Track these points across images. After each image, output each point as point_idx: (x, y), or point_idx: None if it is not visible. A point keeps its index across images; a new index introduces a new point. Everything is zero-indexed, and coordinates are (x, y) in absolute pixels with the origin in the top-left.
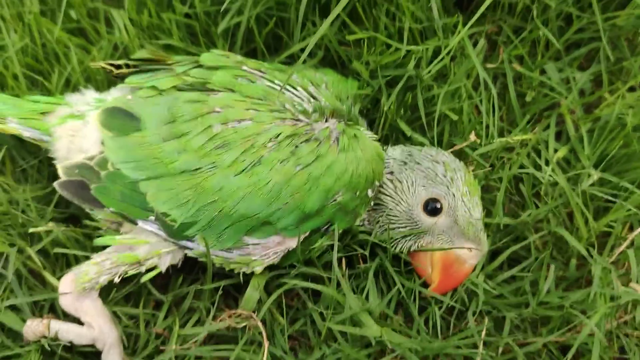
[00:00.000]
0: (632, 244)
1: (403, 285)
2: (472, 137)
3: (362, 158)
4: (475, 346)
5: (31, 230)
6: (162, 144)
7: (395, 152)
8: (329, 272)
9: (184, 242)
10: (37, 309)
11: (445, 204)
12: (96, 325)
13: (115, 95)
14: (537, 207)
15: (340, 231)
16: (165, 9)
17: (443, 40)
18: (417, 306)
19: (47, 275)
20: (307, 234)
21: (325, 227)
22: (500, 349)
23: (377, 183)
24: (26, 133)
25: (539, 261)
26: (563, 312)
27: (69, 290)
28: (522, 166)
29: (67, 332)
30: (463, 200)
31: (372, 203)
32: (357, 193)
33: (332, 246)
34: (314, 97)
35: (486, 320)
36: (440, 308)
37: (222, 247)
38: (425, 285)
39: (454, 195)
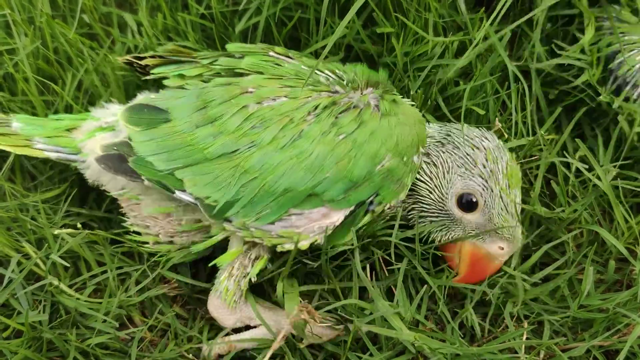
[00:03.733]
0: None
1: (430, 287)
2: (497, 124)
3: (405, 122)
4: (513, 351)
5: (56, 232)
6: (195, 130)
7: (433, 129)
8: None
9: (225, 220)
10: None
11: (481, 201)
12: (269, 320)
13: (141, 98)
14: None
15: (386, 204)
16: (180, 10)
17: (471, 32)
18: (447, 309)
19: (54, 280)
20: (353, 207)
21: (370, 199)
22: (542, 354)
23: (422, 149)
24: (54, 154)
25: (575, 263)
26: (607, 314)
27: (224, 313)
28: (552, 164)
29: (249, 341)
30: (501, 197)
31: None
32: (405, 159)
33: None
34: (341, 79)
35: (525, 323)
36: (474, 311)
37: (265, 222)
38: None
39: (492, 190)
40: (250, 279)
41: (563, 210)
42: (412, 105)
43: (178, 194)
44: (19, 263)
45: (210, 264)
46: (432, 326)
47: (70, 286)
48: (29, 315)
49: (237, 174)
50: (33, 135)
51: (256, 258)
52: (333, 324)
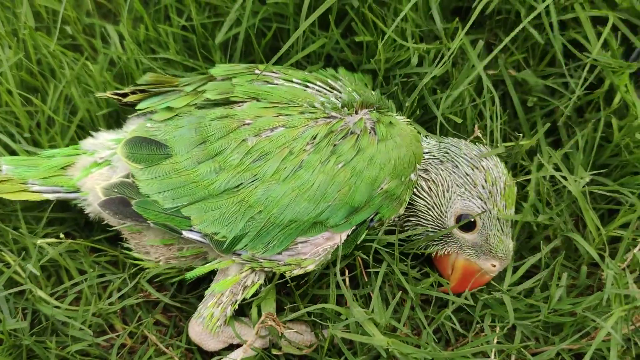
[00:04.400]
0: None
1: (406, 292)
2: (477, 130)
3: (401, 144)
4: (486, 355)
5: (39, 242)
6: (197, 167)
7: (430, 145)
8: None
9: (233, 253)
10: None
11: (479, 223)
12: (250, 337)
13: (131, 127)
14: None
15: (386, 220)
16: (162, 22)
17: (445, 42)
18: (425, 315)
19: (32, 287)
20: (354, 227)
21: (371, 217)
22: (513, 358)
23: (418, 166)
24: (52, 195)
25: (550, 269)
26: (576, 318)
27: (206, 339)
28: (528, 172)
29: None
30: (498, 219)
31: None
32: (402, 179)
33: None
34: (335, 89)
35: (497, 328)
36: (449, 319)
37: (273, 253)
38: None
39: (490, 213)
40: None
41: (542, 217)
42: (407, 122)
43: (185, 234)
44: (0, 272)
45: (207, 290)
46: (408, 332)
47: (52, 294)
48: (9, 323)
49: (243, 209)
50: (27, 178)
51: (251, 284)
52: (305, 330)
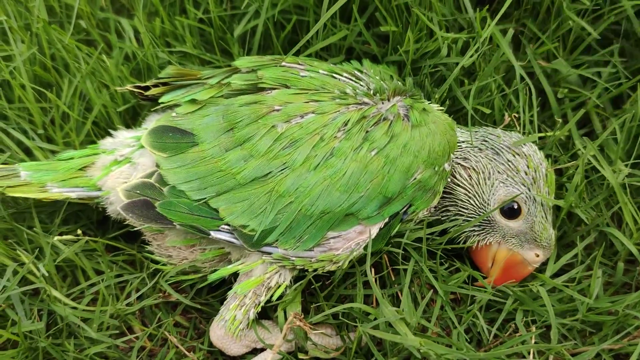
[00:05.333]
0: None
1: (436, 291)
2: (507, 118)
3: (436, 131)
4: (521, 356)
5: (55, 239)
6: (225, 155)
7: (466, 133)
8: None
9: (263, 249)
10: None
11: (524, 209)
12: (274, 341)
13: (151, 124)
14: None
15: (419, 212)
16: (178, 15)
17: (478, 30)
18: (455, 314)
19: (50, 289)
20: (387, 219)
21: (404, 209)
22: (551, 358)
23: (452, 155)
24: (73, 194)
25: (584, 265)
26: (617, 316)
27: (228, 343)
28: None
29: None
30: (542, 205)
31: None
32: (436, 168)
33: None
34: (363, 80)
35: (533, 328)
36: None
37: (305, 248)
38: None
39: (534, 199)
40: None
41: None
42: (441, 110)
43: (214, 234)
44: (15, 272)
45: (229, 292)
46: (439, 331)
47: (68, 295)
48: (24, 325)
49: (273, 199)
50: (45, 181)
51: (275, 286)
52: (331, 333)
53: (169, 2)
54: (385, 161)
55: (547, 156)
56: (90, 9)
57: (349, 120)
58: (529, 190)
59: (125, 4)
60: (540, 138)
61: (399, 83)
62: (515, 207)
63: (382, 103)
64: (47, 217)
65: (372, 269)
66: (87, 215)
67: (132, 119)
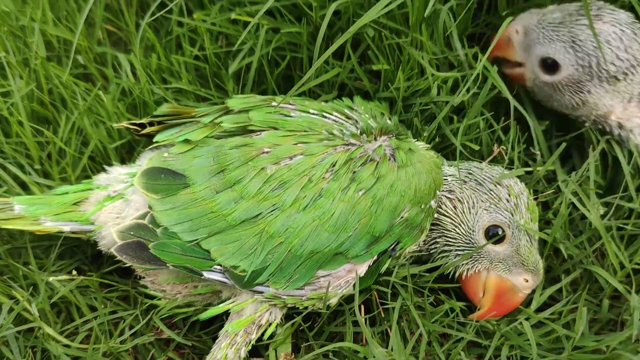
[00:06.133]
0: None
1: (429, 331)
2: (496, 150)
3: (421, 171)
4: None
5: (50, 279)
6: (216, 196)
7: (453, 168)
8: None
9: (254, 288)
10: None
11: (508, 232)
12: None
13: (145, 161)
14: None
15: (407, 248)
16: (174, 52)
17: (467, 67)
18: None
19: (45, 326)
20: (376, 257)
21: (392, 246)
22: None
23: (438, 192)
24: (66, 228)
25: (566, 301)
26: (606, 355)
27: None
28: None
29: None
30: (526, 229)
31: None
32: (422, 206)
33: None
34: (349, 118)
35: None
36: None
37: (295, 287)
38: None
39: (517, 223)
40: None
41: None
42: (426, 148)
43: (206, 274)
44: (10, 310)
45: (221, 331)
46: None
47: (62, 332)
48: None
49: (263, 240)
50: (39, 215)
51: (266, 324)
52: None
53: (166, 40)
54: (373, 201)
55: (535, 190)
56: (88, 43)
57: (336, 161)
58: (512, 215)
59: (123, 37)
60: (527, 172)
61: (388, 121)
62: (500, 232)
63: (369, 143)
64: (43, 252)
65: (362, 306)
66: (82, 250)
67: (128, 154)
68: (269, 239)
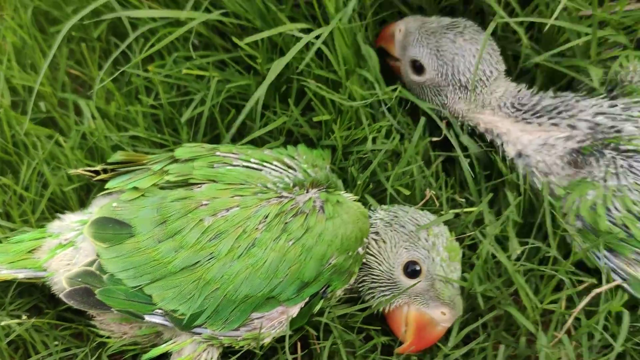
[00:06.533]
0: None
1: None
2: (428, 193)
3: (348, 221)
4: None
5: (4, 323)
6: (158, 246)
7: (383, 212)
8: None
9: (193, 330)
10: None
11: (424, 267)
12: None
13: (98, 206)
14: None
15: (337, 290)
16: (132, 100)
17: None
18: None
19: None
20: (307, 299)
21: (323, 289)
22: None
23: (365, 240)
24: (20, 275)
25: (491, 339)
26: None
27: None
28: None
29: None
30: (442, 265)
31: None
32: (349, 253)
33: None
34: (291, 168)
35: None
36: None
37: (231, 328)
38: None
39: (433, 259)
40: None
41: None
42: (355, 199)
43: (147, 318)
44: None
45: None
46: None
47: None
48: None
49: (201, 286)
50: None
51: None
52: None
53: (126, 88)
54: (302, 250)
55: (462, 233)
56: (52, 89)
57: (269, 213)
58: (428, 253)
59: (87, 80)
60: (456, 215)
61: (324, 172)
62: (417, 268)
63: (300, 196)
64: (2, 291)
65: (299, 343)
66: (40, 289)
67: (86, 195)
68: (206, 285)
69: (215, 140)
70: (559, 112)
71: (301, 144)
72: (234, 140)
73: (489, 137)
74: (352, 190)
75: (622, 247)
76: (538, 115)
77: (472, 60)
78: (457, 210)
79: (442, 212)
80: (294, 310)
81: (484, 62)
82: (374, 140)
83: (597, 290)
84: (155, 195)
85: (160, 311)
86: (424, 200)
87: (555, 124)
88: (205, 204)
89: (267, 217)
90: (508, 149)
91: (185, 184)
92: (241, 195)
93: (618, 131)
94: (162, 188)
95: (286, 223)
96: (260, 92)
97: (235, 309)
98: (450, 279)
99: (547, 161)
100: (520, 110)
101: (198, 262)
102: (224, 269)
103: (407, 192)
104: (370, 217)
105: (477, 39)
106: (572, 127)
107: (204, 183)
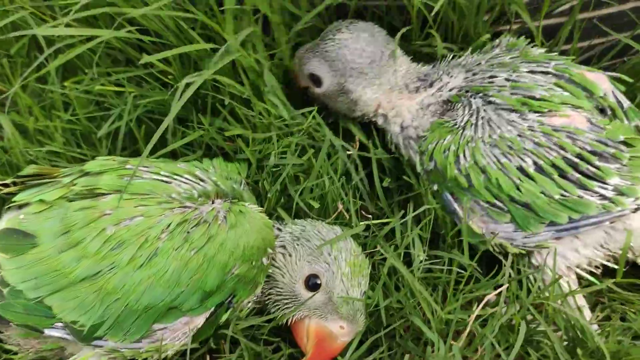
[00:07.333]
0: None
1: None
2: (339, 206)
3: (250, 230)
4: None
5: None
6: (60, 255)
7: (293, 226)
8: None
9: (94, 342)
10: None
11: (323, 281)
12: None
13: (7, 219)
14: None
15: (244, 301)
16: (53, 115)
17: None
18: None
19: None
20: (212, 309)
21: (229, 299)
22: None
23: (270, 251)
24: None
25: (400, 349)
26: None
27: None
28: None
29: None
30: (342, 280)
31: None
32: (253, 263)
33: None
34: (201, 180)
35: None
36: None
37: (132, 340)
38: None
39: (333, 273)
40: None
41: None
42: (259, 211)
43: (47, 332)
44: None
45: None
46: None
47: None
48: None
49: (101, 296)
50: None
51: None
52: None
53: (45, 102)
54: (204, 259)
55: (376, 245)
56: None
57: (171, 222)
58: (329, 266)
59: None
60: (367, 228)
61: (229, 185)
62: (318, 282)
63: (204, 206)
64: None
65: (208, 356)
66: None
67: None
68: (107, 295)
69: (137, 154)
70: (444, 72)
71: (218, 158)
72: (153, 151)
73: (380, 121)
74: (265, 203)
75: (462, 194)
76: (430, 84)
77: (357, 45)
78: (364, 223)
79: (353, 225)
80: (199, 321)
81: (370, 44)
82: (283, 154)
83: (488, 297)
84: (62, 207)
85: (60, 324)
86: (335, 214)
87: (433, 84)
88: (109, 213)
89: (169, 226)
90: (394, 127)
91: (92, 194)
92: (145, 205)
93: (492, 77)
94: (70, 200)
95: (188, 232)
96: (173, 113)
97: (137, 319)
98: (346, 297)
99: (422, 123)
100: (425, 81)
101: (99, 271)
102: (125, 278)
103: (316, 205)
104: (280, 230)
105: (356, 28)
106: (449, 78)
107: (110, 194)
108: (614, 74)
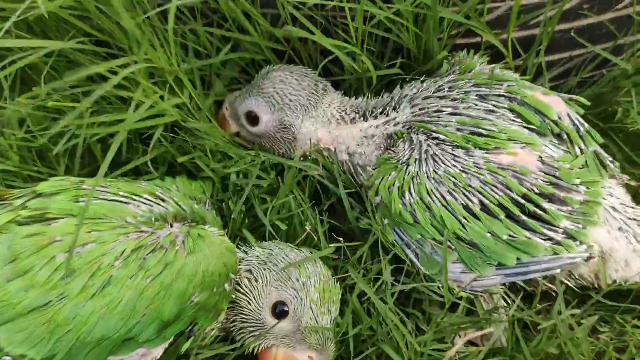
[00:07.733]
0: None
1: None
2: (307, 227)
3: (210, 255)
4: None
5: None
6: (7, 285)
7: (259, 250)
8: None
9: None
10: None
11: (291, 308)
12: None
13: None
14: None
15: (205, 328)
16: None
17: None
18: None
19: None
20: (172, 339)
21: (190, 327)
22: None
23: (232, 276)
24: None
25: None
26: None
27: None
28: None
29: None
30: (311, 307)
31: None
32: (214, 289)
33: None
34: (162, 200)
35: None
36: None
37: None
38: None
39: (301, 300)
40: None
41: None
42: (220, 234)
43: None
44: None
45: None
46: None
47: None
48: None
49: (51, 328)
50: None
51: None
52: None
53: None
54: (160, 287)
55: (347, 270)
56: None
57: (125, 249)
58: (297, 293)
59: None
60: (339, 250)
61: (189, 206)
62: (285, 309)
63: (161, 230)
64: None
65: None
66: None
67: None
68: (57, 327)
69: (97, 171)
70: (389, 104)
71: (182, 176)
72: (113, 168)
73: (326, 154)
74: (230, 224)
75: (410, 230)
76: (373, 114)
77: (292, 79)
78: (333, 245)
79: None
80: (157, 352)
81: (304, 78)
82: (246, 174)
83: (467, 337)
84: (10, 232)
85: (8, 358)
86: (302, 237)
87: (380, 114)
88: (59, 240)
89: (123, 252)
90: (343, 156)
91: (43, 219)
92: (98, 230)
93: (438, 112)
94: (20, 224)
95: (144, 259)
96: (123, 134)
97: (90, 352)
98: (314, 326)
99: (366, 152)
100: (358, 113)
101: (49, 302)
102: (76, 309)
103: (284, 227)
104: (246, 253)
105: (289, 68)
106: (396, 112)
107: (61, 218)
108: (571, 95)
